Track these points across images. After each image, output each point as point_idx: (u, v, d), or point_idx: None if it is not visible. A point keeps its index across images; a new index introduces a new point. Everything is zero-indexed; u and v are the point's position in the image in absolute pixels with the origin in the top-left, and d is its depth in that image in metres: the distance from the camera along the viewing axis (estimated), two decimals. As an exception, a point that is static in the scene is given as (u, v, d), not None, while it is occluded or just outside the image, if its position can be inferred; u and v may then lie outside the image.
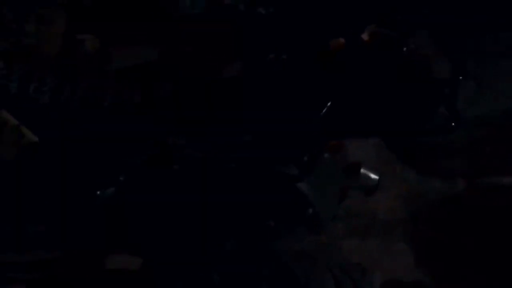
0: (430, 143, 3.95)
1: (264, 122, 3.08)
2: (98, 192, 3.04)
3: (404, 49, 3.24)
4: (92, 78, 3.78)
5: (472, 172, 3.90)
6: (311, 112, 3.09)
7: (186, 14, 3.97)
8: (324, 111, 3.03)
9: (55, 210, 3.12)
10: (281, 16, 3.37)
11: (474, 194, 3.86)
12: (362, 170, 3.34)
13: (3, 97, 3.38)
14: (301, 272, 3.25)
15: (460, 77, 3.45)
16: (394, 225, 3.79)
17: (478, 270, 3.64)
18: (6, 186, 3.15)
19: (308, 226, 3.27)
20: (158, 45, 3.95)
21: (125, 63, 4.07)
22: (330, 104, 3.04)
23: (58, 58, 4.10)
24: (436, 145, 3.95)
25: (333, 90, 3.20)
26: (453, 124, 3.37)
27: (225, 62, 3.34)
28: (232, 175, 3.01)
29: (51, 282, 3.10)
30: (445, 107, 3.42)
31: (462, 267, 3.65)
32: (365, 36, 3.22)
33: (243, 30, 3.34)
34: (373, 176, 3.39)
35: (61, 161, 3.16)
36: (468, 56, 3.99)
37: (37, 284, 3.10)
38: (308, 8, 3.32)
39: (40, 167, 3.15)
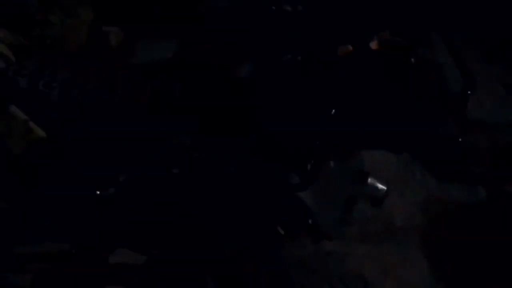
0: (452, 147, 3.85)
1: (270, 125, 3.00)
2: (98, 192, 3.03)
3: (415, 58, 3.15)
4: (107, 73, 3.76)
5: (494, 180, 3.80)
6: (319, 118, 3.01)
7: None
8: (330, 116, 2.96)
9: (61, 205, 3.13)
10: (299, 16, 3.31)
11: (495, 203, 3.76)
12: (369, 180, 3.25)
13: (13, 92, 3.39)
14: (298, 280, 3.20)
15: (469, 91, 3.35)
16: (411, 231, 3.71)
17: (495, 282, 3.55)
18: (17, 180, 3.17)
19: (309, 235, 3.22)
20: (179, 41, 3.93)
21: (148, 58, 4.06)
22: (335, 111, 2.96)
23: (80, 51, 4.11)
24: (459, 151, 3.86)
25: (343, 98, 3.12)
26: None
27: (236, 63, 3.30)
28: (232, 180, 2.97)
29: (57, 273, 3.12)
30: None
31: (478, 278, 3.57)
32: (374, 45, 3.14)
33: (258, 30, 3.29)
34: (380, 186, 3.29)
35: (67, 158, 3.16)
36: (495, 61, 3.88)
37: (44, 274, 3.12)
38: (326, 10, 3.26)
39: (48, 162, 3.16)
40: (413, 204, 3.77)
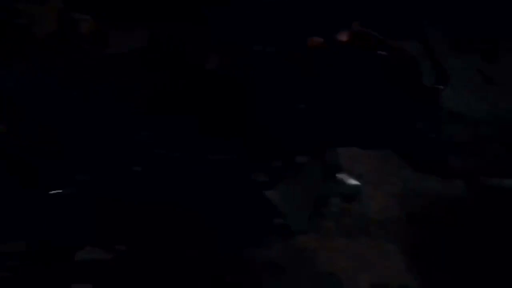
0: (430, 140, 3.77)
1: (239, 119, 2.87)
2: (58, 191, 2.91)
3: (387, 51, 3.04)
4: (78, 63, 3.66)
5: (473, 172, 3.72)
6: (289, 112, 2.88)
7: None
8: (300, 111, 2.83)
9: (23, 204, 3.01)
10: (270, 7, 3.19)
11: (473, 196, 3.68)
12: (341, 176, 3.12)
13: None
14: (268, 283, 3.10)
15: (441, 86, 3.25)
16: (387, 224, 3.62)
17: (474, 275, 3.47)
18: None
19: (277, 235, 3.09)
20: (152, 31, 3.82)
21: (122, 48, 3.95)
22: (306, 105, 2.84)
23: (50, 39, 4.00)
24: (436, 142, 3.78)
25: (314, 91, 2.99)
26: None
27: (209, 54, 3.18)
28: (196, 177, 2.83)
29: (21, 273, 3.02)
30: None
31: (455, 273, 3.48)
32: (343, 36, 3.01)
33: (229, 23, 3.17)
34: (353, 182, 3.17)
35: (28, 153, 3.04)
36: (476, 52, 3.79)
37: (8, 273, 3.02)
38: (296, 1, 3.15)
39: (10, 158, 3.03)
40: (389, 197, 3.68)
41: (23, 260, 3.02)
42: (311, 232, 3.52)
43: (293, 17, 3.08)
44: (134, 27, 4.00)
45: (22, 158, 2.91)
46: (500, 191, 3.66)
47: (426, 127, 3.62)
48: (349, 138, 3.27)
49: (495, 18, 3.77)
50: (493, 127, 3.77)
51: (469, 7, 3.69)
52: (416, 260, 3.52)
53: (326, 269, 3.46)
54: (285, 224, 2.81)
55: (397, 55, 3.12)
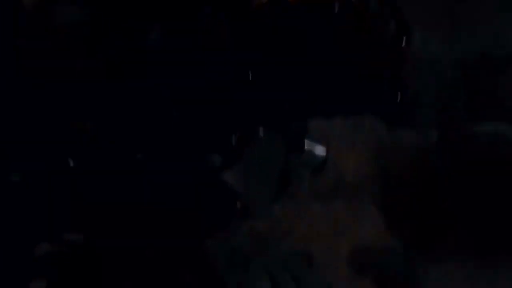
0: (400, 91, 3.61)
1: (185, 96, 2.58)
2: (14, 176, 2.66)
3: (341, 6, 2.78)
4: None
5: (446, 122, 3.58)
6: (241, 84, 2.60)
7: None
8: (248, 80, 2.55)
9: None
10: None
11: (447, 146, 3.55)
12: (306, 146, 2.90)
13: None
14: (233, 274, 2.95)
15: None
16: (363, 185, 3.49)
17: (456, 232, 3.37)
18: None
19: (240, 219, 2.90)
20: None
21: (63, 21, 3.72)
22: (259, 76, 2.57)
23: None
24: (406, 93, 3.62)
25: (267, 58, 2.72)
26: None
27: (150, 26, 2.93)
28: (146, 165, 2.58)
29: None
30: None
31: (437, 229, 3.38)
32: None
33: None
34: (319, 150, 2.94)
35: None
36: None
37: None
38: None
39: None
40: (363, 157, 3.54)
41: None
42: (286, 199, 3.39)
43: None
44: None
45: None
46: (475, 138, 3.53)
47: (392, 77, 3.45)
48: (310, 109, 3.04)
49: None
50: (464, 72, 3.61)
51: None
52: (396, 219, 3.41)
53: (303, 237, 3.34)
54: (245, 208, 2.60)
55: (354, 10, 2.89)
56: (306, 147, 2.90)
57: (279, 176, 2.76)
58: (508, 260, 3.30)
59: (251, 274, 2.89)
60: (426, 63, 3.59)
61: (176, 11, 2.76)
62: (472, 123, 3.52)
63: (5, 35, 3.10)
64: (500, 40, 3.62)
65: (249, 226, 2.99)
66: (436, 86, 3.59)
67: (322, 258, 3.31)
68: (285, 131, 2.79)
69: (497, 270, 3.30)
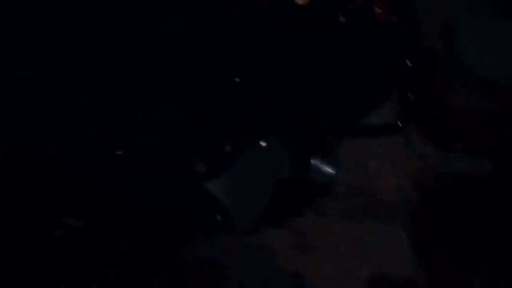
0: (455, 113, 3.32)
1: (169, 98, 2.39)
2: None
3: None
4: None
5: (499, 151, 3.26)
6: (234, 85, 2.38)
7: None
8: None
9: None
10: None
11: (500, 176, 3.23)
12: (313, 162, 2.60)
13: None
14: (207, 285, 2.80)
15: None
16: (398, 208, 3.25)
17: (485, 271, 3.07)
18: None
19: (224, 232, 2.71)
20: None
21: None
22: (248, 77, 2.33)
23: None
24: (461, 116, 3.32)
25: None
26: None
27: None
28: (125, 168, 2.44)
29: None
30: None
31: (466, 268, 3.09)
32: None
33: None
34: (328, 170, 2.62)
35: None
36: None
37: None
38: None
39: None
40: (405, 177, 3.29)
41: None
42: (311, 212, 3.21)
43: None
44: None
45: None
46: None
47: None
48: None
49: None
50: None
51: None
52: (426, 251, 3.15)
53: (325, 256, 3.17)
54: (225, 221, 2.43)
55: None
56: (313, 163, 2.68)
57: (273, 191, 2.55)
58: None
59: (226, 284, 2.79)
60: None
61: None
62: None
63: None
64: None
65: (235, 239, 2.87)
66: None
67: (339, 279, 3.12)
68: (291, 142, 2.60)
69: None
